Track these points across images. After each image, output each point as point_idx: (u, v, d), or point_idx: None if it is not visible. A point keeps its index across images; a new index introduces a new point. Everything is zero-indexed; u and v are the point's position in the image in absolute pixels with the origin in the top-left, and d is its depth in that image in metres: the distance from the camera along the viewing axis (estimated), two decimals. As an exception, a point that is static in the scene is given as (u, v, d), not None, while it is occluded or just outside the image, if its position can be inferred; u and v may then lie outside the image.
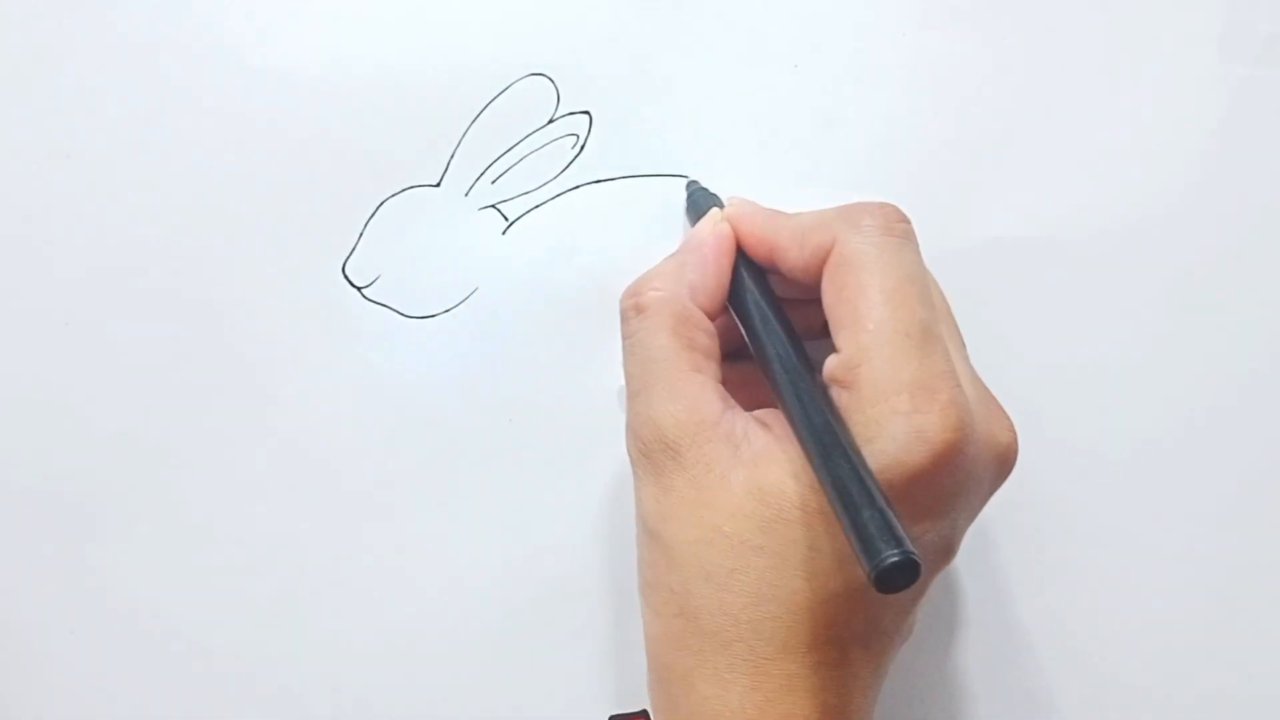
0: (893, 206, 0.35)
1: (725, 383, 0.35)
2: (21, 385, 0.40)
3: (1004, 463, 0.34)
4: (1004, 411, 0.34)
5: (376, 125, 0.40)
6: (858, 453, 0.31)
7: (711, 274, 0.36)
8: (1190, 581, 0.41)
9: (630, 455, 0.35)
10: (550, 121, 0.40)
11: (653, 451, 0.34)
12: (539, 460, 0.40)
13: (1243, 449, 0.41)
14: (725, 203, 0.38)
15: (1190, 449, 0.41)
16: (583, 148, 0.40)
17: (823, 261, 0.34)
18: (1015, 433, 0.34)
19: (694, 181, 0.40)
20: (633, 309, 0.36)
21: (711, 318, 0.36)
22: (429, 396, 0.40)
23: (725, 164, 0.40)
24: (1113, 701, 0.41)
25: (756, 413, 0.35)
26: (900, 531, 0.28)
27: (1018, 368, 0.40)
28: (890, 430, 0.31)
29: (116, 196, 0.40)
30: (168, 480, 0.40)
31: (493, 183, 0.40)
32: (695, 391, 0.34)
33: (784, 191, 0.40)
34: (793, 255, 0.35)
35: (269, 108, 0.40)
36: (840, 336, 0.33)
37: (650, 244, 0.40)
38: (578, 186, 0.40)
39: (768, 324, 0.35)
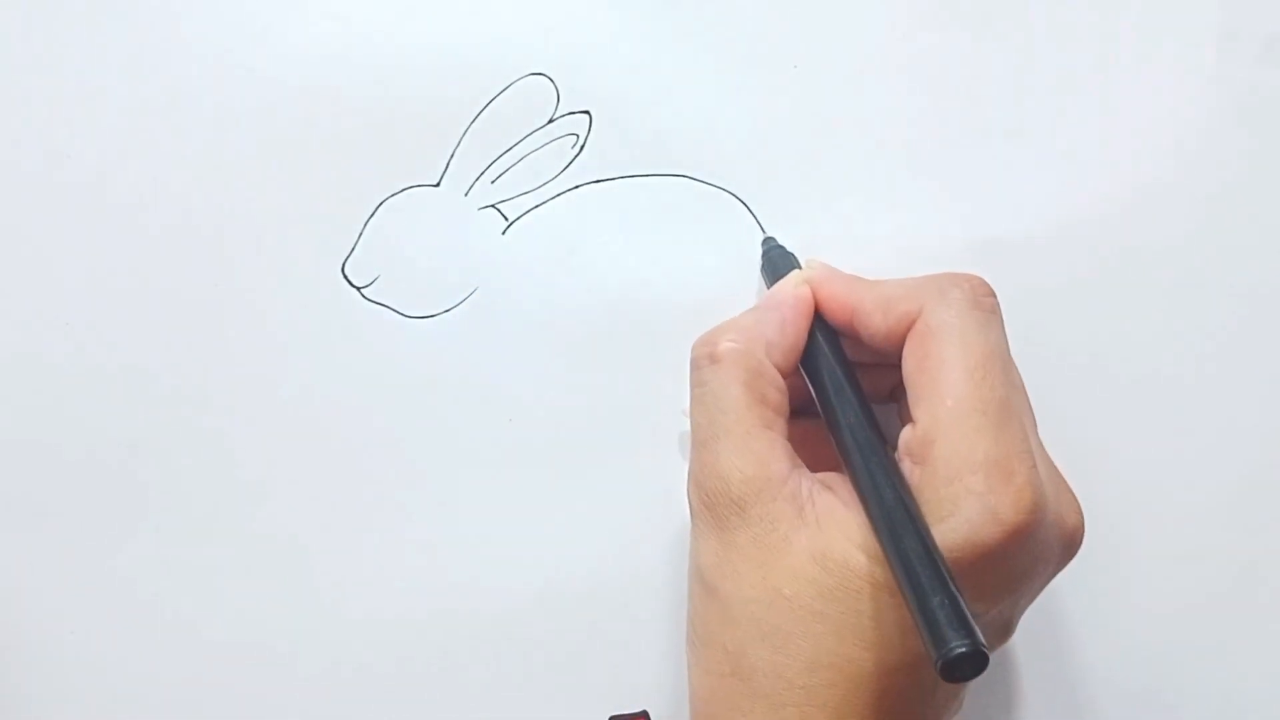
0: (980, 279, 0.35)
1: (789, 440, 0.35)
2: (21, 386, 0.40)
3: (1070, 545, 0.34)
4: (1073, 493, 0.34)
5: (376, 125, 0.40)
6: (929, 533, 0.30)
7: (790, 333, 0.36)
8: (1193, 583, 0.41)
9: (691, 505, 0.35)
10: (550, 121, 0.40)
11: (717, 504, 0.33)
12: (538, 460, 0.40)
13: (1245, 447, 0.41)
14: (803, 264, 0.38)
15: (1192, 447, 0.41)
16: (583, 148, 0.40)
17: (906, 329, 0.34)
18: (1082, 515, 0.34)
19: (770, 238, 0.40)
20: (706, 358, 0.35)
21: (783, 378, 0.35)
22: (428, 396, 0.40)
23: (725, 164, 0.40)
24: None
25: (821, 475, 0.34)
26: (971, 621, 0.28)
27: (1017, 367, 0.40)
28: (964, 510, 0.31)
29: (116, 197, 0.40)
30: (168, 480, 0.40)
31: (492, 182, 0.40)
32: (764, 448, 0.33)
33: (783, 192, 0.40)
34: (875, 321, 0.35)
35: (268, 107, 0.40)
36: (918, 408, 0.33)
37: (650, 244, 0.40)
38: (578, 186, 0.40)
39: (841, 392, 0.35)
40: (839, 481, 0.34)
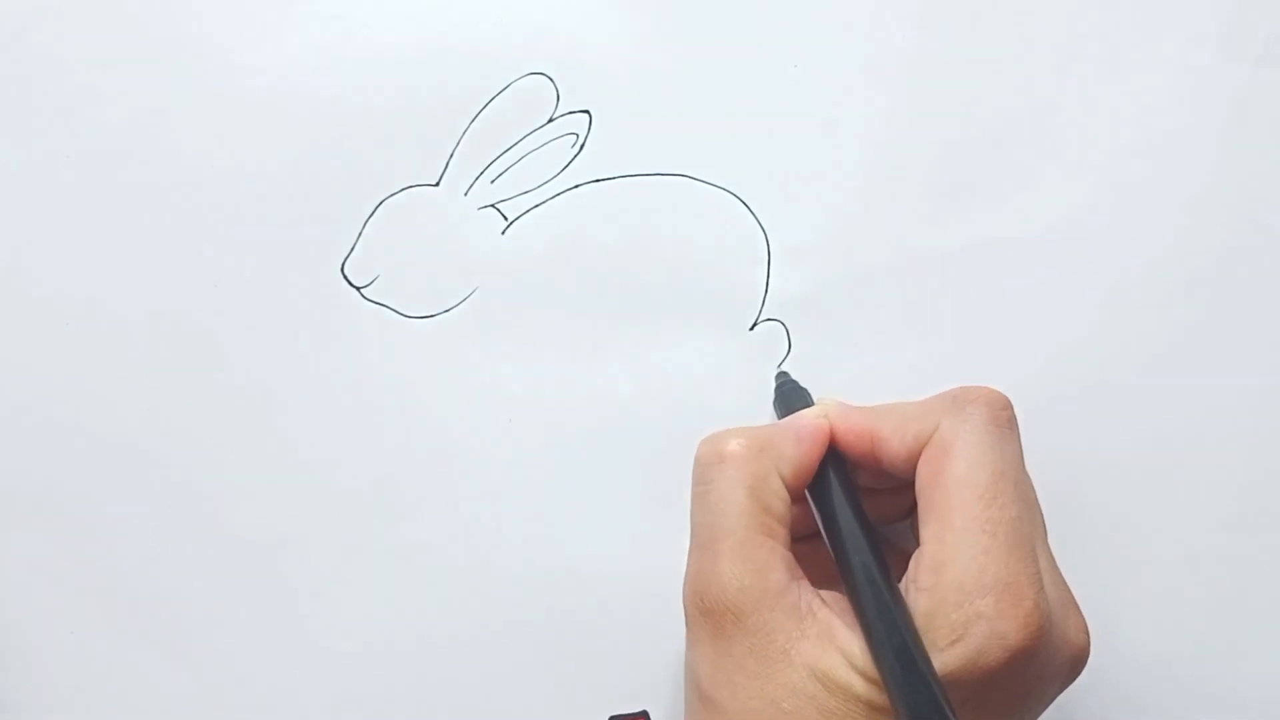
0: (999, 394, 0.34)
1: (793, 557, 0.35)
2: (22, 386, 0.40)
3: (1076, 664, 0.34)
4: (1079, 612, 0.34)
5: (376, 125, 0.40)
6: (935, 677, 0.31)
7: (803, 452, 0.35)
8: (1188, 585, 0.41)
9: (687, 610, 0.34)
10: (550, 121, 0.40)
11: (714, 611, 0.33)
12: (538, 460, 0.40)
13: (1245, 448, 0.41)
14: (817, 401, 0.38)
15: (1191, 449, 0.41)
16: (582, 147, 0.40)
17: (923, 447, 0.34)
18: (1089, 634, 0.34)
19: (784, 373, 0.40)
20: (714, 456, 0.34)
21: (790, 497, 0.35)
22: (429, 396, 0.40)
23: (725, 164, 0.40)
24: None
25: (823, 592, 0.34)
26: None
27: (1017, 368, 0.40)
28: (973, 635, 0.31)
29: (116, 197, 0.40)
30: (168, 480, 0.40)
31: (492, 182, 0.40)
32: (765, 556, 0.33)
33: (783, 192, 0.40)
34: (894, 445, 0.34)
35: (268, 107, 0.40)
36: (927, 526, 0.33)
37: (650, 244, 0.40)
38: (577, 186, 0.40)
39: (851, 529, 0.34)
40: (840, 600, 0.34)
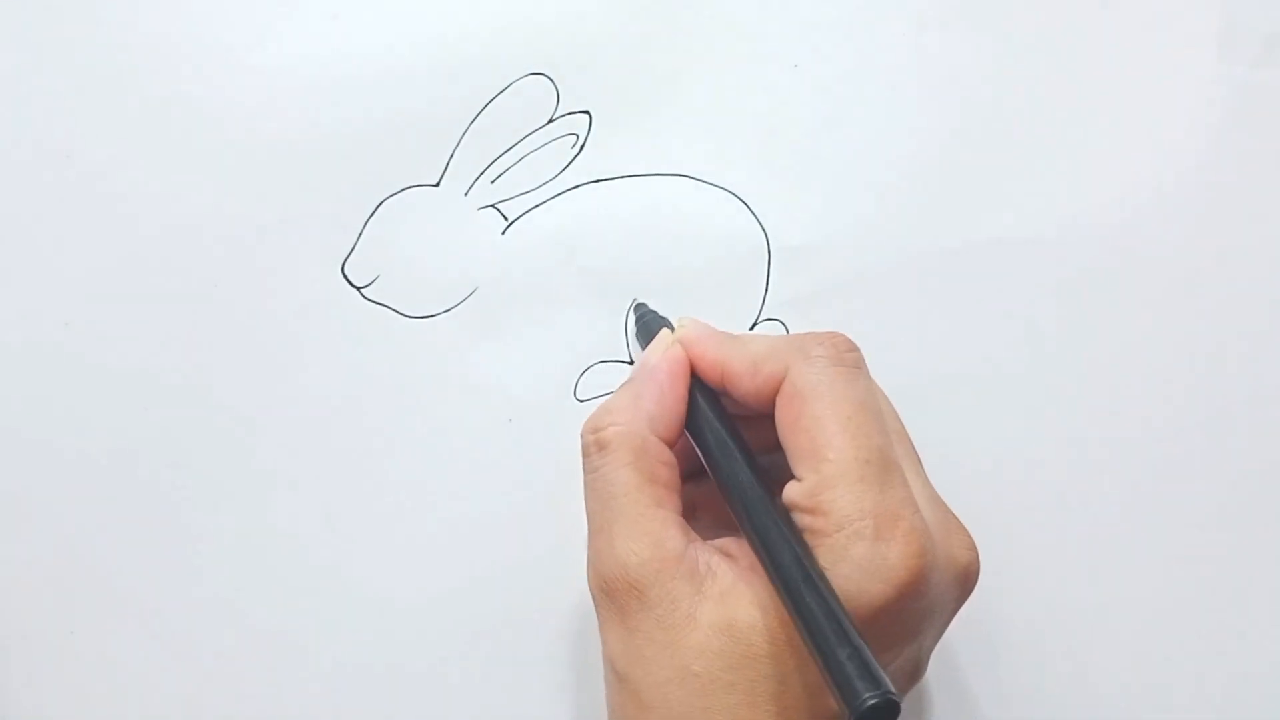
0: (842, 336, 0.35)
1: (688, 505, 0.35)
2: (22, 386, 0.40)
3: (966, 582, 0.34)
4: (964, 529, 0.35)
5: (376, 125, 0.40)
6: (828, 586, 0.31)
7: (669, 403, 0.36)
8: (1187, 586, 0.41)
9: (593, 594, 0.35)
10: (550, 121, 0.40)
11: (616, 591, 0.33)
12: (538, 460, 0.40)
13: (1243, 448, 0.41)
14: (675, 324, 0.38)
15: (1189, 448, 0.41)
16: (583, 147, 0.40)
17: (774, 389, 0.34)
18: (976, 550, 0.34)
19: (642, 304, 0.40)
20: (594, 445, 0.35)
21: (670, 445, 0.36)
22: (429, 396, 0.40)
23: (725, 164, 0.40)
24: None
25: (719, 542, 0.35)
26: (878, 670, 0.28)
27: (1017, 367, 0.40)
28: (854, 556, 0.31)
29: (116, 196, 0.40)
30: (167, 480, 0.40)
31: (492, 182, 0.40)
32: (658, 529, 0.34)
33: (783, 192, 0.40)
34: (745, 382, 0.35)
35: (268, 107, 0.40)
36: (800, 466, 0.33)
37: (650, 244, 0.40)
38: (578, 186, 0.40)
39: (727, 453, 0.35)
40: (738, 548, 0.34)
